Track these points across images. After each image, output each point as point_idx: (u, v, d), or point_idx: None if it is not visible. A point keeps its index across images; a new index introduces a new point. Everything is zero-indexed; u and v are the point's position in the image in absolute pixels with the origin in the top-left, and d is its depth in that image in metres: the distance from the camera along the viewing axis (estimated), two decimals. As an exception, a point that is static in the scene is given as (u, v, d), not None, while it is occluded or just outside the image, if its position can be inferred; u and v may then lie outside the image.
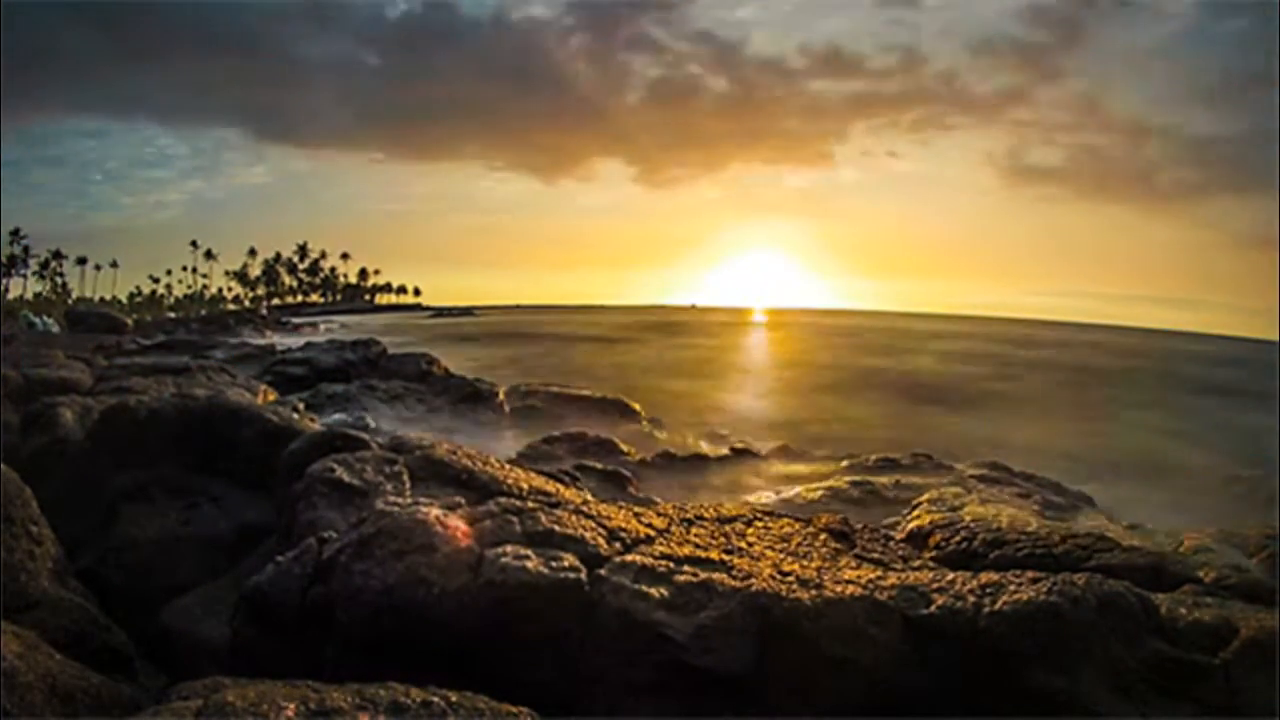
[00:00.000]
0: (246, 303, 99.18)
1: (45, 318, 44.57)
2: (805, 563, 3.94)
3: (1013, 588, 3.54)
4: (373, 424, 12.28)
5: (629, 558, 3.72)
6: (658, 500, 7.99)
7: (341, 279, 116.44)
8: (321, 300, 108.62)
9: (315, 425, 8.11)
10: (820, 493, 9.75)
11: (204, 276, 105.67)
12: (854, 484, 10.06)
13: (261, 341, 30.72)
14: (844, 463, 11.77)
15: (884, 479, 10.30)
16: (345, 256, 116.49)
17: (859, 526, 5.01)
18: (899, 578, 3.77)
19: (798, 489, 10.08)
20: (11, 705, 2.65)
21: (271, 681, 2.48)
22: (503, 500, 4.33)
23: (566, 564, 3.56)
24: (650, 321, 75.32)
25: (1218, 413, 23.35)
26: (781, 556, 4.00)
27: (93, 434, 6.81)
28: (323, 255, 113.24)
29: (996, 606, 3.42)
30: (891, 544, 4.95)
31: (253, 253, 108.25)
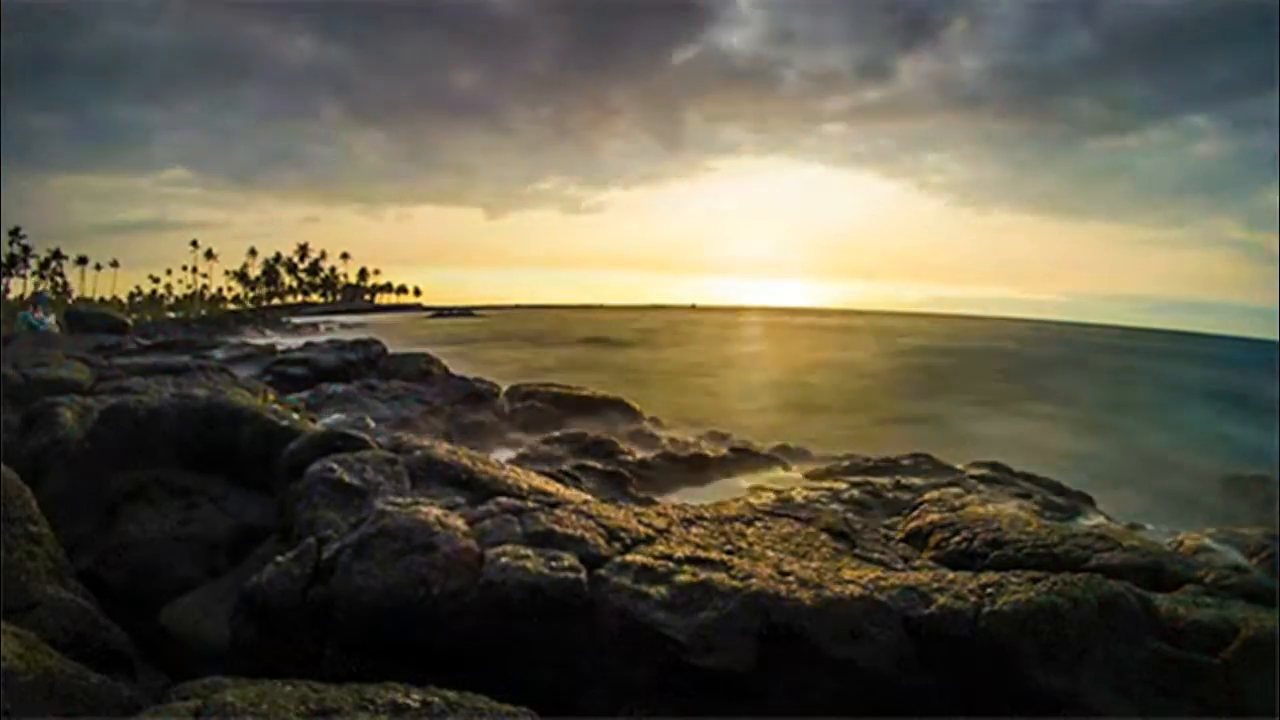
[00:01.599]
0: (247, 303, 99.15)
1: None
2: (805, 563, 3.94)
3: (1013, 588, 3.54)
4: (372, 424, 12.28)
5: (629, 558, 3.72)
6: (658, 500, 7.99)
7: (341, 279, 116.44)
8: (321, 300, 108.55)
9: (315, 425, 8.10)
10: (821, 492, 9.76)
11: (204, 276, 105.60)
12: (854, 484, 10.08)
13: (261, 341, 30.72)
14: (844, 463, 11.77)
15: (884, 479, 10.31)
16: (345, 256, 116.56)
17: (859, 526, 5.02)
18: (899, 578, 3.76)
19: (798, 489, 10.08)
20: (11, 705, 2.65)
21: (271, 681, 2.48)
22: (503, 500, 4.33)
23: (566, 564, 3.57)
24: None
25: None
26: (782, 556, 4.00)
27: (93, 434, 6.80)
28: (323, 255, 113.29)
29: (996, 606, 3.42)
30: (892, 544, 4.95)
31: (253, 252, 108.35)
